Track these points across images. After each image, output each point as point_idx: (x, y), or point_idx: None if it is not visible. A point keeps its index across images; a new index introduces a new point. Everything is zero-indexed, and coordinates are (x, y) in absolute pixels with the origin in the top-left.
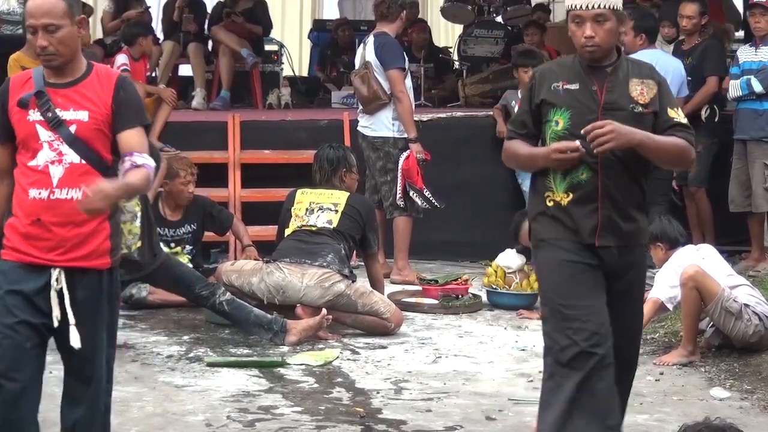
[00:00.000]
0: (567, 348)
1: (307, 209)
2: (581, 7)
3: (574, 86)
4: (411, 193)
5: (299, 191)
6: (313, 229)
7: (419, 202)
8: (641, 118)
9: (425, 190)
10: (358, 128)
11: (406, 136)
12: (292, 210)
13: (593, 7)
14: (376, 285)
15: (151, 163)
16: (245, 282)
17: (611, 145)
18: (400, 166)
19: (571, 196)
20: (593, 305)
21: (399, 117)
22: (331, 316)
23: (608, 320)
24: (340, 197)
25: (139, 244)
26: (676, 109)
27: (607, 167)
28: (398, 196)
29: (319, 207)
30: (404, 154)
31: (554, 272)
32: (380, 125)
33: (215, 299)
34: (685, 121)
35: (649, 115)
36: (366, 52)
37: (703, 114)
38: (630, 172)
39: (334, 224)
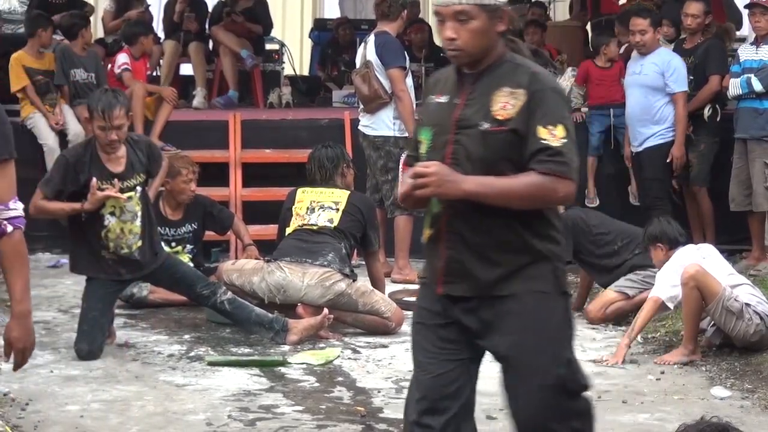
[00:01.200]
0: (404, 421)
1: (308, 208)
2: (440, 2)
3: (444, 99)
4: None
5: (300, 190)
6: (314, 228)
7: None
8: (490, 139)
9: None
10: (359, 127)
11: (406, 135)
12: (293, 209)
13: (453, 2)
14: (376, 284)
15: (20, 212)
16: (246, 281)
17: (428, 193)
18: (401, 165)
19: (429, 232)
20: (431, 370)
21: (400, 116)
22: (332, 316)
23: (456, 388)
24: (341, 196)
25: (139, 243)
26: (552, 127)
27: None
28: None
29: (320, 206)
30: (405, 153)
31: (413, 327)
32: (381, 124)
33: (216, 298)
34: (560, 143)
35: (502, 135)
36: (367, 51)
37: (706, 113)
38: (488, 206)
39: (335, 223)
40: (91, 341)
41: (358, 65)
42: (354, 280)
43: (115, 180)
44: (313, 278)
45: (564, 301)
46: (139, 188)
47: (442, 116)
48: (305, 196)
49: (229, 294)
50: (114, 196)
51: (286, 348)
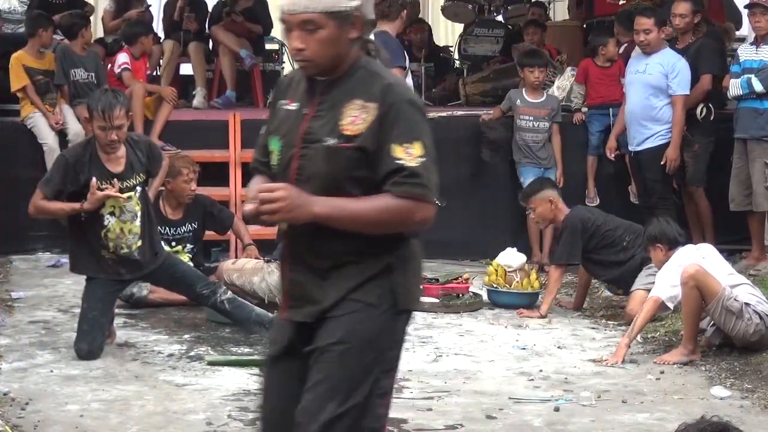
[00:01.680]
0: None
1: None
2: (285, 10)
3: (293, 106)
4: None
5: None
6: None
7: None
8: (334, 156)
9: None
10: None
11: None
12: None
13: (298, 11)
14: None
15: None
16: (246, 281)
17: (277, 219)
18: None
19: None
20: (274, 408)
21: None
22: None
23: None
24: None
25: (139, 243)
26: (408, 145)
27: None
28: None
29: None
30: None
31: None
32: None
33: (216, 298)
34: (417, 163)
35: (348, 152)
36: None
37: (699, 113)
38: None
39: None
40: (91, 341)
41: None
42: None
43: (115, 180)
44: None
45: (392, 319)
46: (138, 188)
47: (290, 127)
48: None
49: (229, 293)
50: (114, 195)
51: None
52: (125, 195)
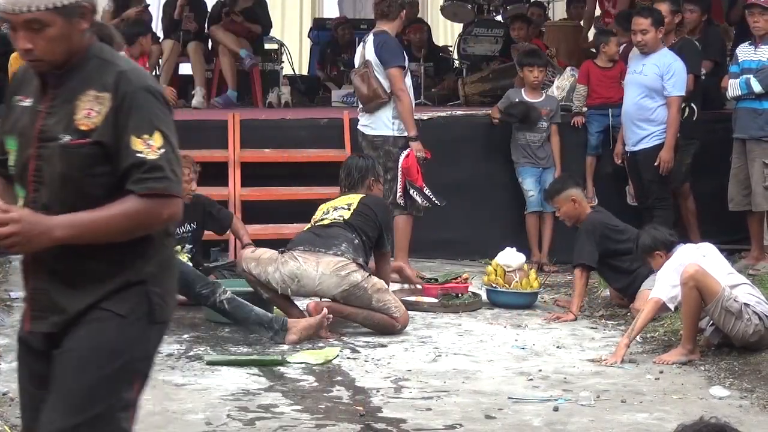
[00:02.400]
0: None
1: (323, 212)
2: (7, 10)
3: (28, 102)
4: (411, 191)
5: (322, 204)
6: (325, 222)
7: (419, 201)
8: (71, 154)
9: (425, 189)
10: (359, 127)
11: (405, 134)
12: (312, 218)
13: (22, 10)
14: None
15: None
16: (262, 271)
17: (16, 251)
18: (400, 165)
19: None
20: (31, 416)
21: (399, 115)
22: (331, 316)
23: None
24: (354, 198)
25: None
26: (147, 136)
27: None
28: (398, 194)
29: (333, 208)
30: (404, 153)
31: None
32: (380, 124)
33: (216, 298)
34: (158, 155)
35: (85, 149)
36: (366, 50)
37: (682, 113)
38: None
39: (345, 218)
40: None
41: (357, 65)
42: (370, 274)
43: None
44: (328, 267)
45: (143, 330)
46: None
47: (25, 125)
48: (325, 205)
49: (228, 293)
50: None
51: (285, 347)
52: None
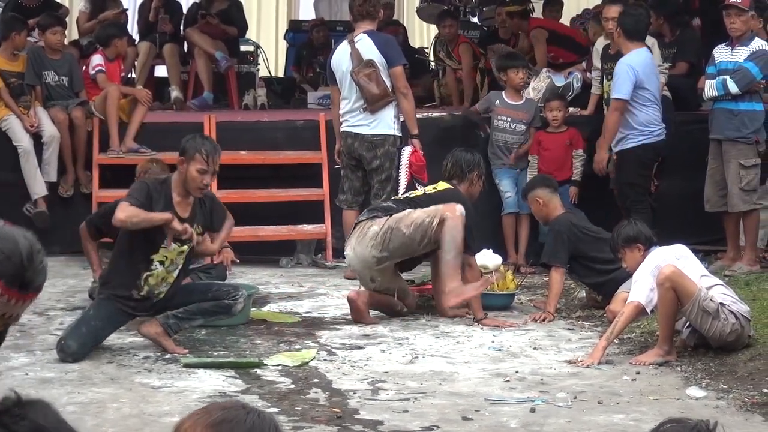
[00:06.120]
0: None
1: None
2: None
3: None
4: (419, 187)
5: None
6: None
7: None
8: None
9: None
10: (348, 128)
11: (404, 134)
12: None
13: None
14: (439, 279)
15: None
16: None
17: None
18: (406, 161)
19: None
20: None
21: (405, 113)
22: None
23: None
24: (444, 185)
25: (165, 290)
26: None
27: None
28: (401, 190)
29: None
30: (409, 149)
31: None
32: (382, 123)
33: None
34: None
35: None
36: (362, 50)
37: None
38: None
39: (414, 194)
40: (82, 344)
41: (348, 65)
42: (389, 218)
43: (194, 234)
44: (354, 241)
45: None
46: (191, 242)
47: None
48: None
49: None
50: (192, 239)
51: (261, 350)
52: (194, 236)
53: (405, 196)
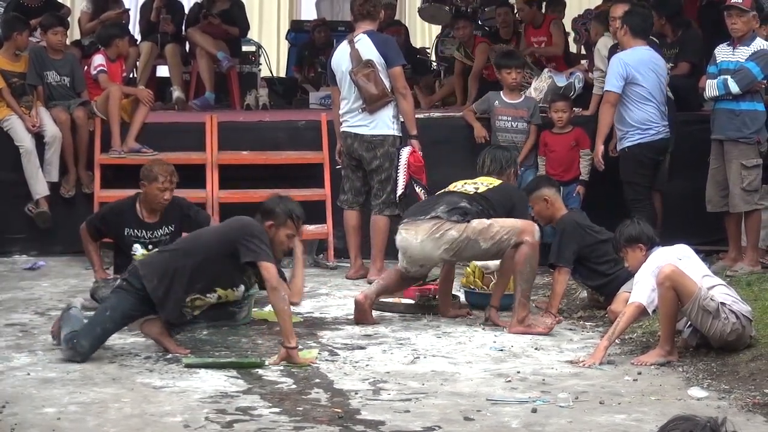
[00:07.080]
0: None
1: (453, 185)
2: None
3: None
4: (417, 188)
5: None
6: (447, 189)
7: (424, 198)
8: None
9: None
10: (347, 128)
11: (402, 134)
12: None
13: None
14: (503, 275)
15: None
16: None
17: None
18: (404, 161)
19: None
20: None
21: (404, 113)
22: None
23: None
24: (494, 181)
25: (195, 313)
26: None
27: None
28: (399, 190)
29: (465, 183)
30: (407, 149)
31: None
32: (381, 123)
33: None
34: None
35: None
36: (361, 50)
37: None
38: None
39: (480, 191)
40: (92, 346)
41: (347, 66)
42: (468, 225)
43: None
44: (424, 234)
45: None
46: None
47: None
48: (459, 181)
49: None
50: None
51: (263, 350)
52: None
53: (474, 189)
